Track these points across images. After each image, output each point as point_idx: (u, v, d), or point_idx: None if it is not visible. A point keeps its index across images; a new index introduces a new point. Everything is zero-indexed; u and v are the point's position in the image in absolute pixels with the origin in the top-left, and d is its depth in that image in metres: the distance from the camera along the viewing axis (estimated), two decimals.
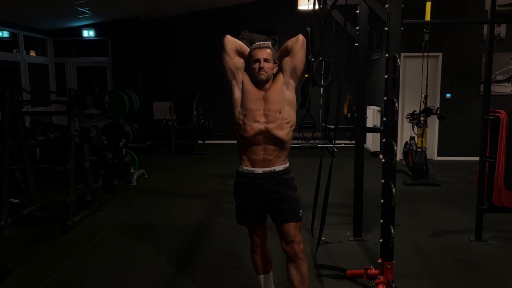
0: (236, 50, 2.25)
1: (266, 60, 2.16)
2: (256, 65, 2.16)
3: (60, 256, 3.34)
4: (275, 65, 2.23)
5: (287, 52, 2.22)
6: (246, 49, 2.27)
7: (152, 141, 9.05)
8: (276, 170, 2.21)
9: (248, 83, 2.21)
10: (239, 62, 2.25)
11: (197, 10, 8.91)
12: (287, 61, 2.22)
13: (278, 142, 2.17)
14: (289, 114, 2.19)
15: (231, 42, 2.25)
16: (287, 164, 2.27)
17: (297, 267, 2.23)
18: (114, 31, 9.00)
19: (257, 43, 2.23)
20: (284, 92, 2.19)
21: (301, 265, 2.22)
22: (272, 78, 2.22)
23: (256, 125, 2.14)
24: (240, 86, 2.22)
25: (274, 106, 2.15)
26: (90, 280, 2.97)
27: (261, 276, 2.44)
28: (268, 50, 2.19)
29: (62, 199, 3.95)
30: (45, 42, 8.97)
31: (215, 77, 8.89)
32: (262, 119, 2.14)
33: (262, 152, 2.18)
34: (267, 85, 2.20)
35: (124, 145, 5.67)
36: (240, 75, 2.24)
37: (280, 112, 2.15)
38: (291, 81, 2.22)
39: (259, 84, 2.19)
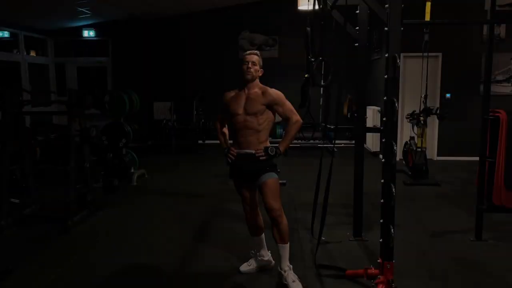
0: (222, 117, 2.94)
1: (253, 63, 2.72)
2: (244, 66, 2.72)
3: (60, 256, 3.34)
4: (260, 69, 2.77)
5: (280, 114, 2.77)
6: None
7: (152, 141, 9.04)
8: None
9: (233, 97, 2.78)
10: (224, 112, 2.88)
11: (198, 10, 8.91)
12: (277, 110, 2.76)
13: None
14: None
15: (218, 121, 2.98)
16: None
17: None
18: (114, 31, 8.99)
19: (247, 51, 2.80)
20: (260, 104, 2.71)
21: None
22: (257, 85, 2.76)
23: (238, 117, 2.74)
24: (227, 107, 2.82)
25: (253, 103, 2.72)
26: (90, 280, 2.97)
27: (254, 237, 2.97)
28: (256, 57, 2.76)
29: (62, 199, 3.95)
30: (45, 42, 8.96)
31: (215, 77, 8.88)
32: (241, 111, 2.71)
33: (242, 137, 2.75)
34: (251, 89, 2.74)
35: (124, 145, 5.67)
36: (226, 106, 2.82)
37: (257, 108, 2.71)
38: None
39: (246, 82, 2.74)
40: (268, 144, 2.77)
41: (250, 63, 2.70)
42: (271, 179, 2.71)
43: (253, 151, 2.72)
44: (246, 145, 2.74)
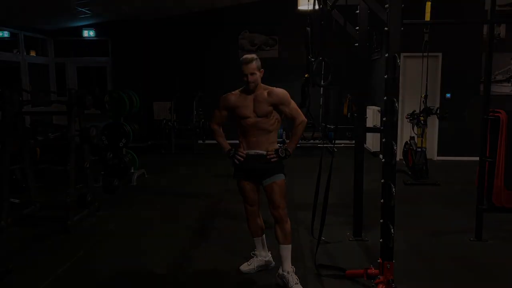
0: (221, 120, 2.88)
1: (252, 74, 2.67)
2: (245, 78, 2.68)
3: (60, 256, 3.34)
4: (260, 72, 2.71)
5: (286, 114, 2.76)
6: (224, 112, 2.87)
7: (152, 141, 9.03)
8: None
9: (238, 100, 2.75)
10: (224, 114, 2.86)
11: (198, 10, 8.91)
12: (283, 110, 2.75)
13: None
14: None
15: (215, 124, 2.93)
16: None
17: None
18: (114, 31, 8.98)
19: (244, 56, 2.72)
20: (268, 105, 2.71)
21: None
22: (262, 87, 2.75)
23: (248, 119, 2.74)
24: (231, 109, 2.79)
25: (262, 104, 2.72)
26: (90, 280, 2.97)
27: (255, 238, 2.98)
28: (253, 65, 2.67)
29: (62, 199, 3.95)
30: (45, 42, 8.96)
31: (215, 77, 8.88)
32: (251, 114, 2.72)
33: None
34: (257, 91, 2.73)
35: (124, 145, 5.67)
36: (230, 109, 2.80)
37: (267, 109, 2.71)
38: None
39: (250, 90, 2.73)
40: (276, 145, 2.79)
41: (249, 75, 2.66)
42: (280, 180, 2.76)
43: (264, 152, 2.73)
44: (256, 145, 2.74)
